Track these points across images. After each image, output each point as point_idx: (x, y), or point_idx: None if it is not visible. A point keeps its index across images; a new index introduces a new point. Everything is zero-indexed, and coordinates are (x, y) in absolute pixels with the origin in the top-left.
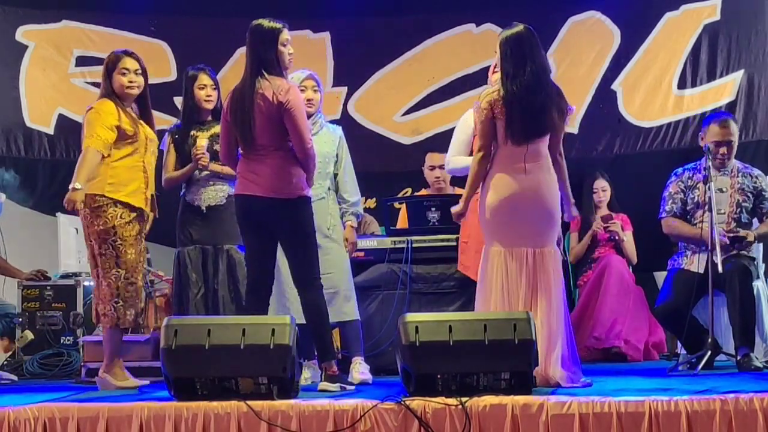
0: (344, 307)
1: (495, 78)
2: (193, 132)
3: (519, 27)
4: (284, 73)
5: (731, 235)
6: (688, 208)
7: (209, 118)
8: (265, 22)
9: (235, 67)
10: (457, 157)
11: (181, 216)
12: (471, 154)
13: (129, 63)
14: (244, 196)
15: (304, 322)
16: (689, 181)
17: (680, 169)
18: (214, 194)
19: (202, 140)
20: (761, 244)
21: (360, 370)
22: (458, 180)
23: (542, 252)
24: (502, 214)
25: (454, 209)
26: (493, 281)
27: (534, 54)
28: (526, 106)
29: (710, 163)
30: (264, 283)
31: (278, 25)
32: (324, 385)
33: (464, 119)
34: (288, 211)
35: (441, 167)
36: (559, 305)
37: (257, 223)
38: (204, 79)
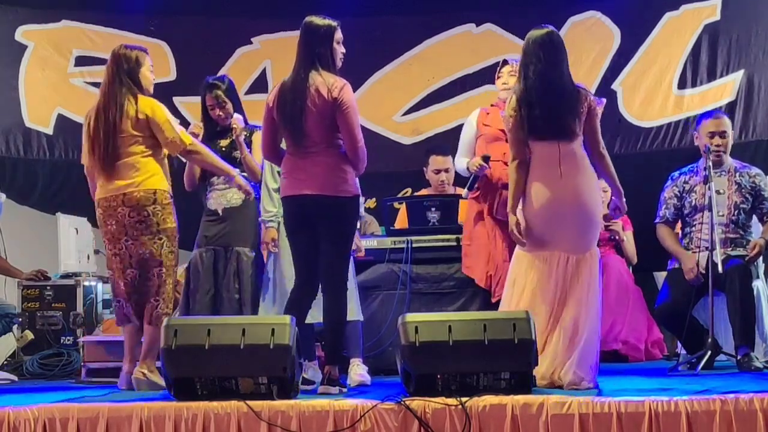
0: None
1: (499, 83)
2: (219, 141)
3: (544, 29)
4: (336, 71)
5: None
6: (685, 212)
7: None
8: (319, 19)
9: (234, 67)
10: (459, 159)
11: (202, 221)
12: (474, 155)
13: (150, 60)
14: (294, 197)
15: (306, 322)
16: (685, 185)
17: (676, 173)
18: (230, 196)
19: (235, 122)
20: None
21: (358, 372)
22: (459, 180)
23: (577, 259)
24: (540, 220)
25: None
26: (524, 285)
27: (550, 56)
28: (539, 104)
29: (710, 163)
30: (311, 286)
31: (333, 23)
32: (325, 388)
33: (468, 121)
34: (339, 209)
35: (446, 170)
36: (589, 313)
37: (309, 224)
38: (208, 99)
